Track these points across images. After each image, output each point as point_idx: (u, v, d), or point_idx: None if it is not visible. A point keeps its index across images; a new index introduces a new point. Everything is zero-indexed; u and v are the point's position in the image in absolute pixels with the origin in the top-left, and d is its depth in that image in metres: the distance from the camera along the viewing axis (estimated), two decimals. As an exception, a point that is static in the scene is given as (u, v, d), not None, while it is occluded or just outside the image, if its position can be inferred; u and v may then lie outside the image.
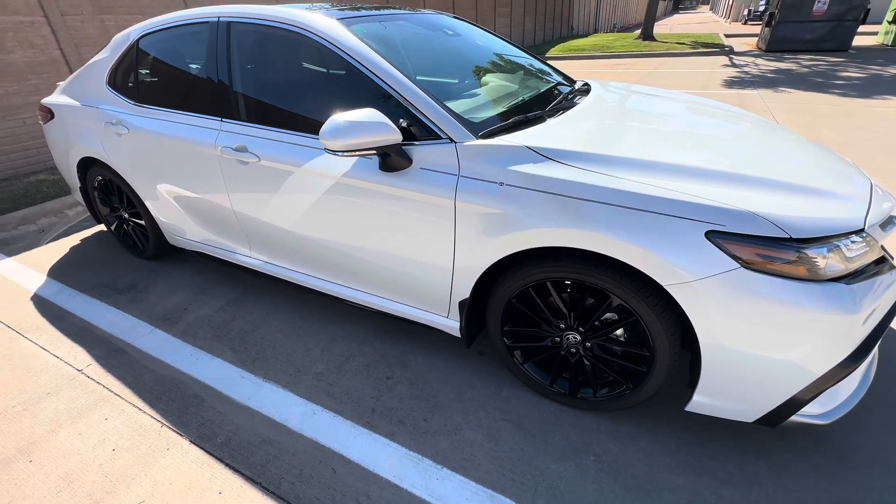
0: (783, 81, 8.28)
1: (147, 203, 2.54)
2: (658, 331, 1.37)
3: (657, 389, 1.49)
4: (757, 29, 20.80)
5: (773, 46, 12.11)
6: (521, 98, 1.92)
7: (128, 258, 2.98)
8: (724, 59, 11.38)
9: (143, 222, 2.74)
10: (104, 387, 1.90)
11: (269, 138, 1.87)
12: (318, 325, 2.25)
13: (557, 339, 1.62)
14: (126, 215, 2.83)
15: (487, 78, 2.12)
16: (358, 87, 1.71)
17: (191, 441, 1.64)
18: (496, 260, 1.51)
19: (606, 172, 1.35)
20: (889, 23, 12.26)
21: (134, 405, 1.80)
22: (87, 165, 2.79)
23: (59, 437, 1.68)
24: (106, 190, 2.83)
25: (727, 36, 16.70)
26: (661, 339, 1.37)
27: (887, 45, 12.23)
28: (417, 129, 1.59)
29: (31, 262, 2.99)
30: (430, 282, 1.73)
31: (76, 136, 2.64)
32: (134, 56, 2.37)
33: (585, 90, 2.26)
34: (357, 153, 1.49)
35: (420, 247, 1.66)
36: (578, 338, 1.57)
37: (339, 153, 1.49)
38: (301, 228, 1.93)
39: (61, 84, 2.91)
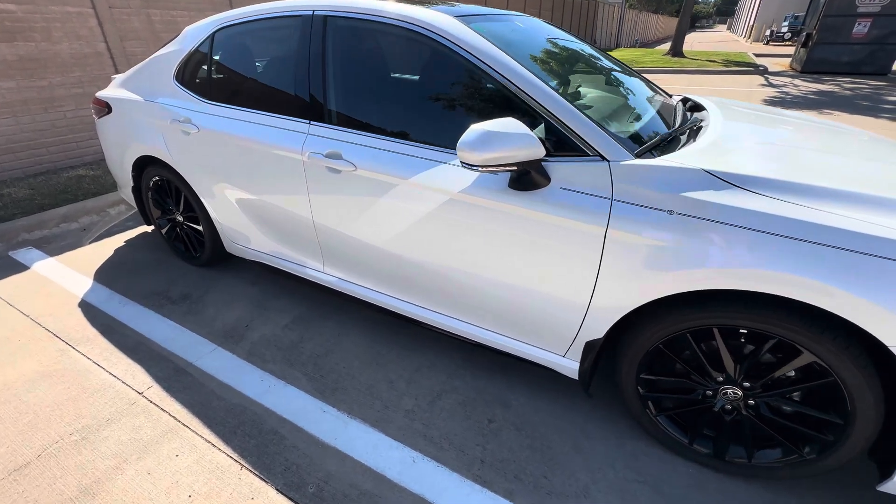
0: (827, 103, 8.04)
1: (208, 207, 2.36)
2: (863, 396, 1.14)
3: (840, 463, 1.26)
4: (779, 49, 20.59)
5: (810, 68, 11.88)
6: (641, 114, 1.71)
7: (177, 264, 2.79)
8: (760, 79, 11.16)
9: (199, 227, 2.56)
10: (170, 415, 1.70)
11: (371, 146, 1.68)
12: (397, 351, 2.03)
13: (709, 392, 1.40)
14: (181, 219, 2.65)
15: (597, 90, 1.91)
16: (484, 93, 1.51)
17: (277, 490, 1.42)
18: (650, 300, 1.30)
19: (811, 206, 1.13)
20: (929, 48, 11.98)
21: (206, 439, 1.59)
22: (144, 165, 2.61)
23: (126, 476, 1.47)
24: (162, 191, 2.65)
25: (756, 55, 16.47)
26: (866, 405, 1.14)
27: (927, 71, 11.94)
28: (554, 144, 1.39)
29: (74, 263, 2.81)
30: (552, 317, 1.51)
31: (136, 132, 2.47)
32: (208, 50, 2.20)
33: (698, 107, 2.05)
34: (497, 168, 1.28)
35: (548, 278, 1.44)
36: (739, 393, 1.35)
37: (478, 168, 1.28)
38: (397, 247, 1.72)
39: (119, 77, 2.75)
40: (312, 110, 1.84)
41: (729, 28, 63.06)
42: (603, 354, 1.56)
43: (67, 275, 2.67)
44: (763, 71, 12.29)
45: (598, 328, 1.43)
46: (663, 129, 1.61)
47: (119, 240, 3.13)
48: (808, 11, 12.18)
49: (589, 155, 1.34)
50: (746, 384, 1.32)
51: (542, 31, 2.03)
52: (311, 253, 2.09)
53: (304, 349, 2.05)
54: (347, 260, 1.95)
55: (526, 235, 1.43)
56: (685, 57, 15.12)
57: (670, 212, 1.22)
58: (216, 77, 2.18)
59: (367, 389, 1.82)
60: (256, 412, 1.71)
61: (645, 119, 1.65)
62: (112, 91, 2.65)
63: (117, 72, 4.58)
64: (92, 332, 2.16)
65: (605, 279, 1.34)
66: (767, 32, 29.42)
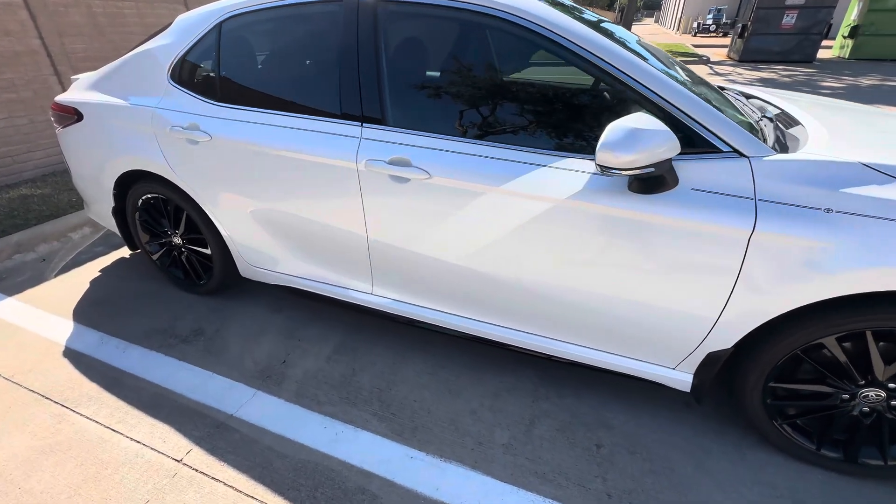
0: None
1: (221, 227, 2.02)
2: None
3: None
4: (710, 41, 21.99)
5: (746, 57, 12.72)
6: (736, 108, 1.62)
7: (175, 294, 2.41)
8: (705, 69, 11.79)
9: (203, 250, 2.20)
10: (225, 483, 1.41)
11: (449, 150, 1.46)
12: (467, 375, 1.83)
13: (846, 396, 1.33)
14: (180, 241, 2.27)
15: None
16: (590, 86, 1.35)
17: (391, 564, 1.20)
18: (798, 306, 1.20)
19: (981, 195, 1.07)
20: (844, 37, 13.22)
21: (283, 511, 1.33)
22: (130, 181, 2.21)
23: (195, 574, 1.18)
24: (154, 211, 2.25)
25: (695, 46, 17.45)
26: None
27: (843, 58, 13.17)
28: (680, 140, 1.25)
29: (43, 302, 2.35)
30: (670, 330, 1.38)
31: (120, 143, 2.07)
32: (214, 43, 1.86)
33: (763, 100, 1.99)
34: (638, 171, 1.13)
35: (672, 288, 1.31)
36: (883, 395, 1.28)
37: (622, 172, 1.12)
38: (479, 263, 1.52)
39: (84, 77, 2.31)
40: (365, 111, 1.58)
41: (657, 21, 66.70)
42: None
43: (38, 317, 2.22)
44: (706, 61, 13.01)
45: (728, 338, 1.32)
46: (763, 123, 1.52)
47: (92, 269, 2.67)
48: (741, 3, 13.02)
49: (722, 151, 1.22)
50: (892, 385, 1.26)
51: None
52: (359, 273, 1.84)
53: (361, 383, 1.80)
54: (408, 280, 1.72)
55: (648, 243, 1.28)
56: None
57: (828, 210, 1.12)
58: (228, 75, 1.85)
59: (451, 424, 1.61)
60: (332, 468, 1.46)
61: (745, 113, 1.54)
62: (80, 94, 2.21)
63: (57, 72, 3.95)
64: (92, 389, 1.78)
65: (744, 286, 1.23)
66: (695, 25, 31.31)
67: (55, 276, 2.61)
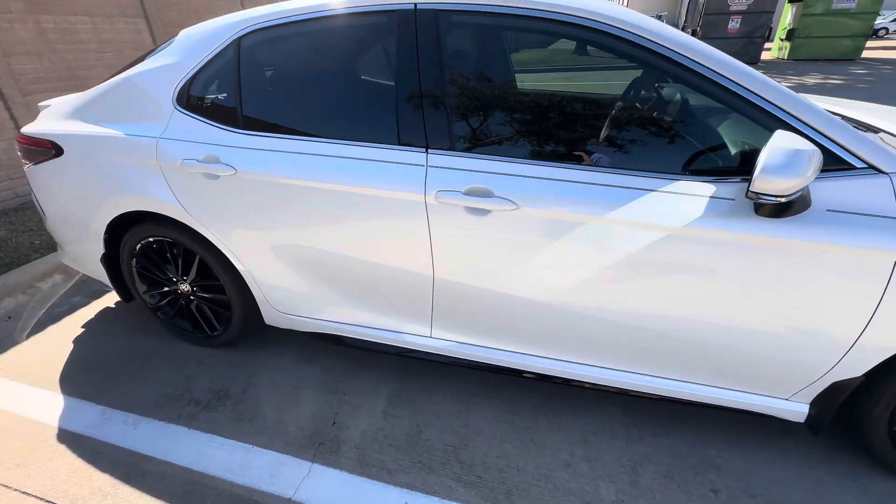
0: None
1: (245, 270, 1.75)
2: None
3: None
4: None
5: (698, 60, 13.39)
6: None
7: (181, 349, 2.09)
8: (663, 72, 12.26)
9: (215, 296, 1.91)
10: None
11: (540, 177, 1.29)
12: (544, 420, 1.66)
13: (979, 416, 1.26)
14: (188, 288, 1.96)
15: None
16: (700, 103, 1.22)
17: None
18: None
19: None
20: (781, 40, 14.21)
21: None
22: (125, 223, 1.89)
23: None
24: (156, 256, 1.94)
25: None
26: None
27: (783, 59, 14.14)
28: None
29: (18, 372, 1.96)
30: (793, 360, 1.27)
31: (115, 181, 1.75)
32: (232, 62, 1.60)
33: None
34: (793, 195, 1.01)
35: (802, 316, 1.20)
36: None
37: (779, 198, 0.99)
38: (575, 298, 1.36)
39: (58, 104, 1.97)
40: (430, 135, 1.39)
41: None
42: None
43: (16, 393, 1.85)
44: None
45: (859, 367, 1.22)
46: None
47: (72, 326, 2.29)
48: (688, 10, 13.74)
49: (856, 168, 1.12)
50: None
51: None
52: (416, 316, 1.63)
53: (431, 441, 1.58)
54: (479, 320, 1.54)
55: (776, 270, 1.17)
56: (590, 55, 16.20)
57: (983, 228, 1.04)
58: (252, 98, 1.60)
59: (548, 483, 1.43)
60: (429, 556, 1.24)
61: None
62: (57, 125, 1.87)
63: (3, 96, 3.47)
64: (105, 482, 1.47)
65: (887, 311, 1.13)
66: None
67: (27, 337, 2.21)
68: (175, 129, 1.67)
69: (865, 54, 13.77)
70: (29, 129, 1.96)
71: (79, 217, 1.92)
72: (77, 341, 2.16)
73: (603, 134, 1.33)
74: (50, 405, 1.78)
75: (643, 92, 1.65)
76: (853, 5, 12.26)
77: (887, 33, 22.61)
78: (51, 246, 2.95)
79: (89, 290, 2.60)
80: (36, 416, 1.73)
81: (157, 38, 4.69)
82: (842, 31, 12.68)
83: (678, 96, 1.58)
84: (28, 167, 1.97)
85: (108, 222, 1.85)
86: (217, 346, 2.07)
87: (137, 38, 4.51)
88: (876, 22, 14.21)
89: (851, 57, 12.96)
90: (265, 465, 1.50)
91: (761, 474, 1.44)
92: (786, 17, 13.97)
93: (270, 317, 1.88)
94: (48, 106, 2.08)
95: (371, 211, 1.46)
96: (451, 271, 1.46)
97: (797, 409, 1.37)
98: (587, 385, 1.53)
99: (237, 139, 1.58)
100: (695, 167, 1.24)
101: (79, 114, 1.85)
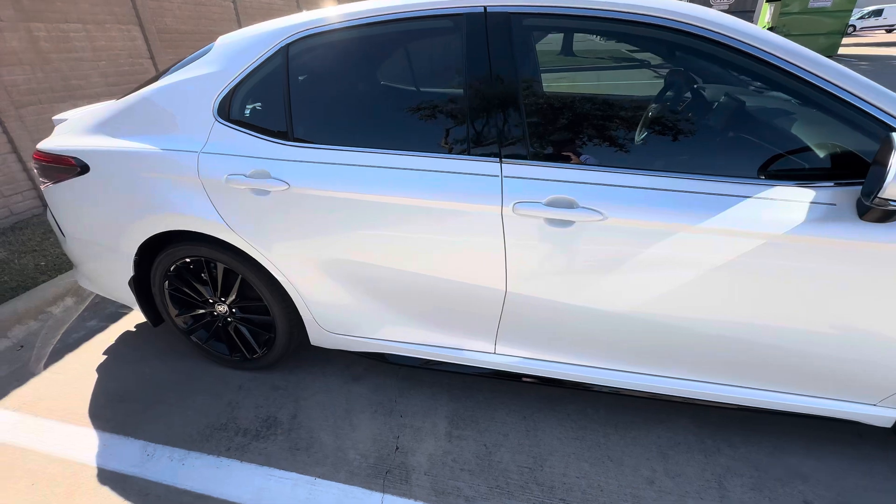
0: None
1: (295, 290, 1.65)
2: None
3: None
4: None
5: (683, 59, 13.64)
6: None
7: (216, 373, 1.97)
8: (651, 73, 12.45)
9: (265, 317, 1.81)
10: None
11: (630, 185, 1.23)
12: (616, 434, 1.60)
13: None
14: (226, 310, 1.85)
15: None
16: (796, 107, 1.19)
17: None
18: None
19: None
20: (761, 38, 14.56)
21: None
22: (159, 243, 1.77)
23: None
24: (192, 276, 1.82)
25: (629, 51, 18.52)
26: None
27: (763, 57, 14.48)
28: None
29: (41, 407, 1.82)
30: (889, 366, 1.24)
31: (150, 199, 1.64)
32: (280, 70, 1.51)
33: None
34: (917, 202, 0.97)
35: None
36: None
37: (908, 205, 0.96)
38: (664, 311, 1.30)
39: (79, 118, 1.84)
40: (504, 144, 1.32)
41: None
42: None
43: (44, 430, 1.71)
44: (648, 65, 13.77)
45: (961, 369, 1.20)
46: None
47: (92, 353, 2.15)
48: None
49: (961, 168, 1.10)
50: None
51: None
52: (480, 332, 1.56)
53: (504, 463, 1.51)
54: (553, 335, 1.47)
55: (879, 275, 1.13)
56: (576, 55, 16.37)
57: None
58: (304, 108, 1.51)
59: (636, 502, 1.37)
60: (529, 591, 1.17)
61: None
62: (79, 140, 1.75)
63: (-6, 110, 3.28)
64: (159, 526, 1.35)
65: None
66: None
67: (45, 367, 2.06)
68: (217, 143, 1.56)
69: (841, 51, 14.21)
70: (47, 145, 1.82)
71: (105, 238, 1.80)
72: (101, 370, 2.03)
73: (694, 137, 1.28)
74: (84, 442, 1.65)
75: (705, 94, 1.62)
76: (829, 3, 12.65)
77: (854, 30, 23.44)
78: (58, 266, 2.78)
79: (105, 313, 2.45)
80: (70, 456, 1.60)
81: (152, 46, 4.52)
82: (819, 29, 13.06)
83: (738, 98, 1.55)
84: (47, 186, 1.84)
85: (140, 243, 1.73)
86: (255, 370, 1.96)
87: (132, 46, 4.33)
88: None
89: (829, 54, 13.36)
90: (334, 499, 1.41)
91: (850, 483, 1.41)
92: (764, 15, 14.34)
93: (318, 337, 1.78)
94: (64, 120, 1.94)
95: (438, 225, 1.38)
96: (526, 285, 1.39)
97: (885, 415, 1.34)
98: (665, 398, 1.48)
99: (288, 152, 1.49)
100: (785, 171, 1.20)
101: (105, 128, 1.73)
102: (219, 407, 1.79)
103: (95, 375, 1.99)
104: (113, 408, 1.81)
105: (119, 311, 2.46)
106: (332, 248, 1.52)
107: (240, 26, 6.05)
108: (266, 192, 1.50)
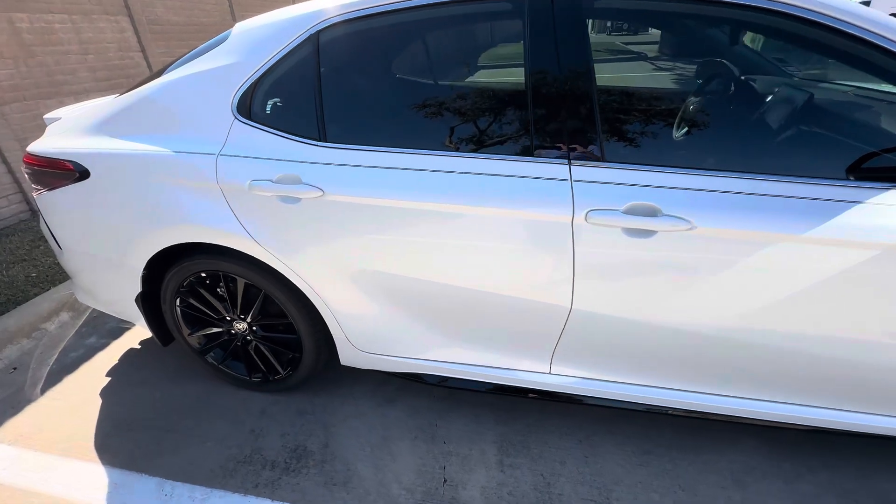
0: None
1: (326, 306, 1.48)
2: None
3: None
4: (626, 38, 23.47)
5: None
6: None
7: (234, 396, 1.79)
8: (648, 65, 12.35)
9: (291, 335, 1.64)
10: None
11: (725, 190, 1.08)
12: (683, 459, 1.47)
13: None
14: (245, 327, 1.68)
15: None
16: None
17: None
18: None
19: None
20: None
21: None
22: (167, 256, 1.59)
23: None
24: (207, 291, 1.64)
25: (625, 43, 18.43)
26: None
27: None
28: None
29: (40, 439, 1.64)
30: None
31: (161, 207, 1.45)
32: (309, 60, 1.33)
33: None
34: None
35: None
36: None
37: None
38: (763, 327, 1.16)
39: (70, 116, 1.66)
40: (572, 144, 1.17)
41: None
42: None
43: (43, 466, 1.53)
44: (645, 57, 13.68)
45: None
46: None
47: (94, 375, 1.96)
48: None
49: None
50: None
51: None
52: (534, 351, 1.41)
53: (566, 496, 1.37)
54: (621, 355, 1.33)
55: None
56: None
57: None
58: (338, 105, 1.33)
59: (719, 540, 1.24)
60: None
61: None
62: (76, 142, 1.56)
63: (-25, 108, 3.03)
64: (186, 582, 1.19)
65: None
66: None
67: (42, 392, 1.87)
68: (237, 144, 1.38)
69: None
70: (38, 147, 1.63)
71: (108, 251, 1.61)
72: (105, 394, 1.84)
73: (786, 135, 1.14)
74: (91, 481, 1.48)
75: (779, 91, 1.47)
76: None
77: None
78: (50, 278, 2.58)
79: (105, 329, 2.26)
80: (77, 498, 1.42)
81: (142, 38, 4.27)
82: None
83: (810, 93, 1.41)
84: (40, 193, 1.64)
85: (149, 257, 1.55)
86: (276, 392, 1.80)
87: (121, 38, 4.08)
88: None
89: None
90: (382, 544, 1.26)
91: (946, 510, 1.29)
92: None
93: (349, 357, 1.62)
94: (57, 119, 1.75)
95: (496, 235, 1.22)
96: (595, 302, 1.24)
97: None
98: (748, 421, 1.34)
99: (322, 154, 1.32)
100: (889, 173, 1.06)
101: (106, 128, 1.54)
102: (241, 436, 1.62)
103: (99, 401, 1.81)
104: (122, 438, 1.63)
105: (120, 327, 2.27)
106: (372, 261, 1.36)
107: (234, 17, 5.78)
108: (296, 200, 1.33)
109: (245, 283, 1.57)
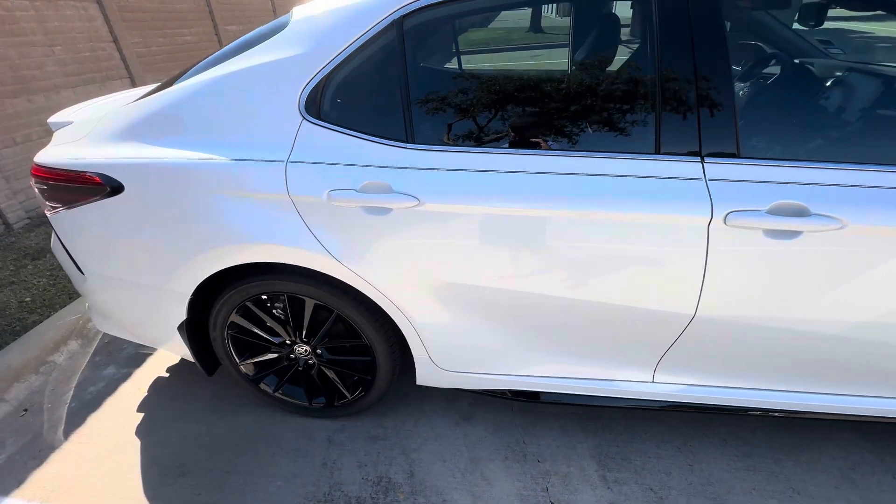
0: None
1: (412, 326, 1.34)
2: None
3: None
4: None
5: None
6: None
7: (291, 425, 1.63)
8: (622, 48, 12.46)
9: (362, 357, 1.49)
10: None
11: (876, 185, 1.01)
12: (789, 461, 1.43)
13: None
14: (307, 350, 1.51)
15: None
16: None
17: None
18: None
19: None
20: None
21: None
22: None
23: None
24: (265, 314, 1.46)
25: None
26: None
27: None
28: None
29: (70, 491, 1.43)
30: None
31: (219, 224, 1.26)
32: (394, 50, 1.16)
33: None
34: None
35: None
36: None
37: None
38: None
39: (86, 119, 1.43)
40: (704, 139, 1.06)
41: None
42: None
43: (91, 528, 1.33)
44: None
45: None
46: None
47: (122, 412, 1.74)
48: None
49: None
50: None
51: None
52: (639, 360, 1.32)
53: (683, 511, 1.30)
54: (740, 360, 1.26)
55: None
56: (544, 32, 16.17)
57: None
58: (431, 101, 1.18)
59: (851, 545, 1.21)
60: None
61: None
62: (101, 150, 1.33)
63: (-70, 110, 2.63)
64: None
65: None
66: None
67: (65, 435, 1.64)
68: (308, 149, 1.20)
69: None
70: (50, 158, 1.39)
71: (147, 275, 1.40)
72: (141, 434, 1.64)
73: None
74: (152, 539, 1.30)
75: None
76: None
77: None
78: (48, 302, 2.29)
79: (122, 357, 2.02)
80: (139, 561, 1.24)
81: (114, 27, 3.86)
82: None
83: None
84: (56, 212, 1.40)
85: (200, 281, 1.36)
86: (338, 417, 1.64)
87: (91, 27, 3.66)
88: None
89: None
90: (507, 584, 1.15)
91: None
92: None
93: (429, 377, 1.49)
94: (68, 123, 1.51)
95: (615, 241, 1.12)
96: (724, 308, 1.16)
97: None
98: (853, 418, 1.31)
99: (414, 158, 1.16)
100: None
101: (139, 133, 1.32)
102: (313, 471, 1.47)
103: (136, 442, 1.61)
104: (176, 487, 1.44)
105: (139, 353, 2.03)
106: (470, 275, 1.22)
107: (209, 2, 5.33)
108: (386, 211, 1.17)
109: (315, 303, 1.40)
